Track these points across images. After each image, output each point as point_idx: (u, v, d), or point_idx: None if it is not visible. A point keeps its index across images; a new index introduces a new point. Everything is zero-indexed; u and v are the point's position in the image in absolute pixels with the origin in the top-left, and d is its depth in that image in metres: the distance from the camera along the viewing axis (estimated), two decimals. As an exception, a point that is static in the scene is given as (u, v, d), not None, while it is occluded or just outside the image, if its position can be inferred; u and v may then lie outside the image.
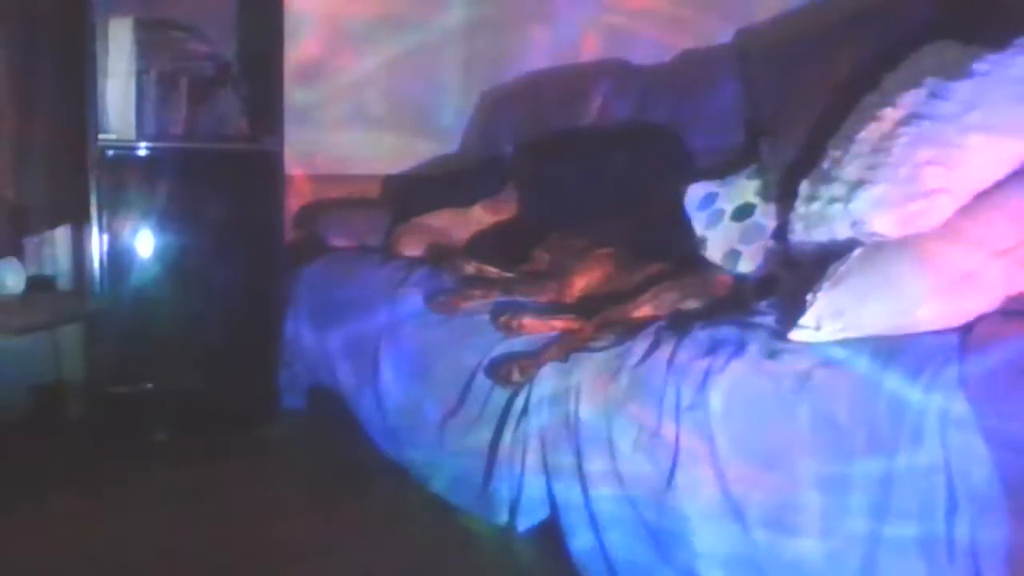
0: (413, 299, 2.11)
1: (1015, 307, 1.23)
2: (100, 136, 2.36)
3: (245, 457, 2.31)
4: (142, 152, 2.45)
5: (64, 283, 2.63)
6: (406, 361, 2.04)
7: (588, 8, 2.96)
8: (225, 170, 2.59)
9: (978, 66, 1.45)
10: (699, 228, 2.01)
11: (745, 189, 1.97)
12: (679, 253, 1.96)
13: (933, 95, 1.47)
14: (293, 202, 2.95)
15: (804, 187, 1.65)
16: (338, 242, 2.84)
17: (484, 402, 1.73)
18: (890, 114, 1.51)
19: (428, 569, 1.70)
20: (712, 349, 1.37)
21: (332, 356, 2.38)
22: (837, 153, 1.58)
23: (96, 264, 2.38)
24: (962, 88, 1.44)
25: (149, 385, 2.48)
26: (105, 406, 2.42)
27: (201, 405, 2.51)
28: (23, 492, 1.99)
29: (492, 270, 2.15)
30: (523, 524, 1.62)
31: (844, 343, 1.25)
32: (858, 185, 1.48)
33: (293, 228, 2.93)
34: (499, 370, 1.66)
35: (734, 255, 1.89)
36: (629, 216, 2.23)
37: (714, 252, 1.94)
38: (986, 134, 1.38)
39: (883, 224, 1.43)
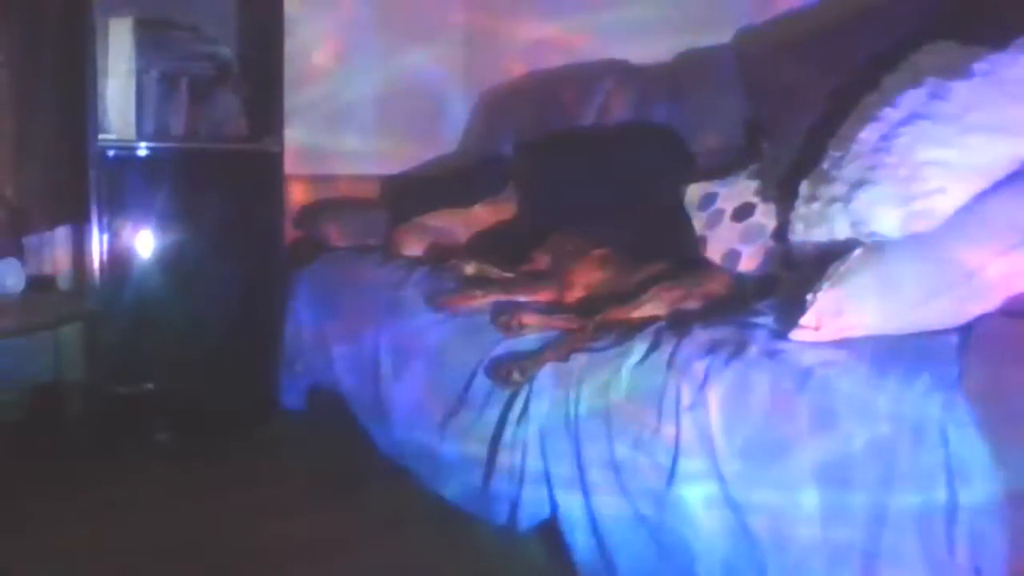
0: (413, 299, 2.11)
1: (1015, 307, 1.23)
2: (100, 136, 2.36)
3: (245, 457, 2.31)
4: (142, 152, 2.45)
5: (64, 283, 2.63)
6: (406, 361, 2.04)
7: (588, 8, 2.96)
8: (225, 170, 2.59)
9: (978, 66, 1.45)
10: (699, 228, 2.01)
11: (745, 189, 1.97)
12: (679, 253, 1.96)
13: (933, 95, 1.47)
14: (293, 202, 2.96)
15: (804, 187, 1.65)
16: (338, 242, 2.84)
17: (484, 402, 1.73)
18: (890, 114, 1.51)
19: (428, 569, 1.70)
20: (712, 349, 1.37)
21: (332, 356, 2.38)
22: (837, 153, 1.58)
23: (96, 264, 2.38)
24: (962, 88, 1.44)
25: (149, 385, 2.48)
26: (105, 406, 2.42)
27: (201, 405, 2.50)
28: (23, 492, 1.99)
29: (492, 270, 2.15)
30: (523, 524, 1.62)
31: (844, 343, 1.25)
32: (858, 185, 1.48)
33: (293, 228, 2.93)
34: (499, 370, 1.66)
35: (734, 255, 1.89)
36: (629, 216, 2.23)
37: (714, 252, 1.94)
38: (986, 134, 1.39)
39: (883, 224, 1.43)
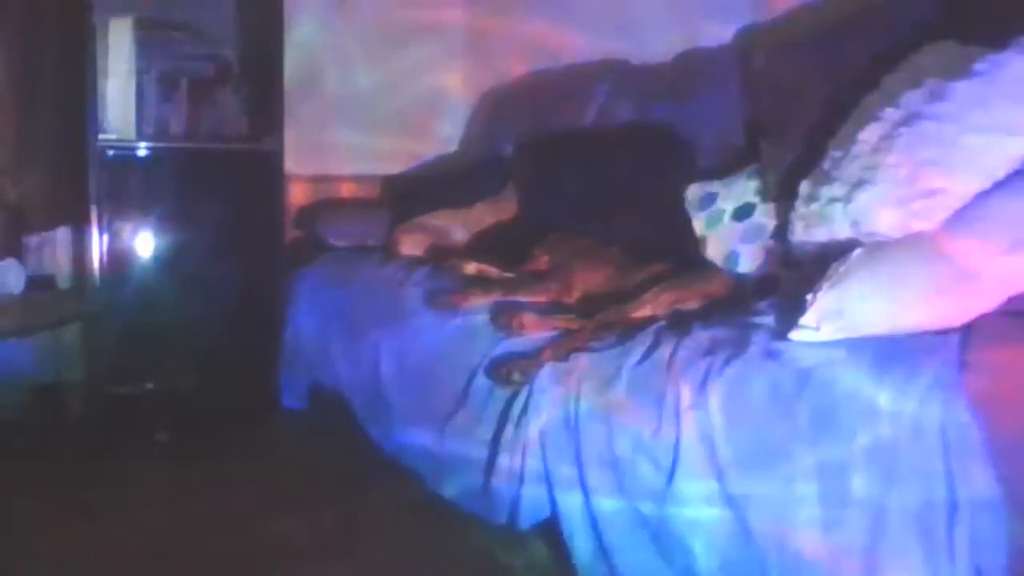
0: (413, 299, 2.11)
1: (1015, 307, 1.23)
2: (100, 136, 2.36)
3: (245, 457, 2.31)
4: (142, 152, 2.45)
5: (64, 283, 2.63)
6: (406, 361, 2.04)
7: (588, 8, 2.96)
8: (225, 170, 2.59)
9: (978, 66, 1.45)
10: (699, 228, 2.01)
11: (745, 189, 1.97)
12: (679, 253, 1.96)
13: (933, 95, 1.47)
14: (293, 202, 2.96)
15: (804, 187, 1.65)
16: (338, 242, 2.85)
17: (484, 402, 1.73)
18: (890, 114, 1.51)
19: (428, 569, 1.70)
20: (712, 349, 1.37)
21: (332, 356, 2.38)
22: (837, 153, 1.58)
23: (96, 264, 2.38)
24: (962, 88, 1.44)
25: (149, 385, 2.48)
26: (105, 406, 2.42)
27: (201, 405, 2.51)
28: (23, 492, 1.99)
29: (492, 270, 2.15)
30: (523, 524, 1.62)
31: (844, 343, 1.25)
32: (858, 185, 1.48)
33: (293, 228, 2.93)
34: (499, 370, 1.66)
35: (734, 255, 1.89)
36: (629, 216, 2.23)
37: (714, 252, 1.94)
38: (986, 134, 1.39)
39: (883, 224, 1.43)
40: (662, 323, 1.59)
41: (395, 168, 3.28)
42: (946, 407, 1.07)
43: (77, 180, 2.39)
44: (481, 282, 2.07)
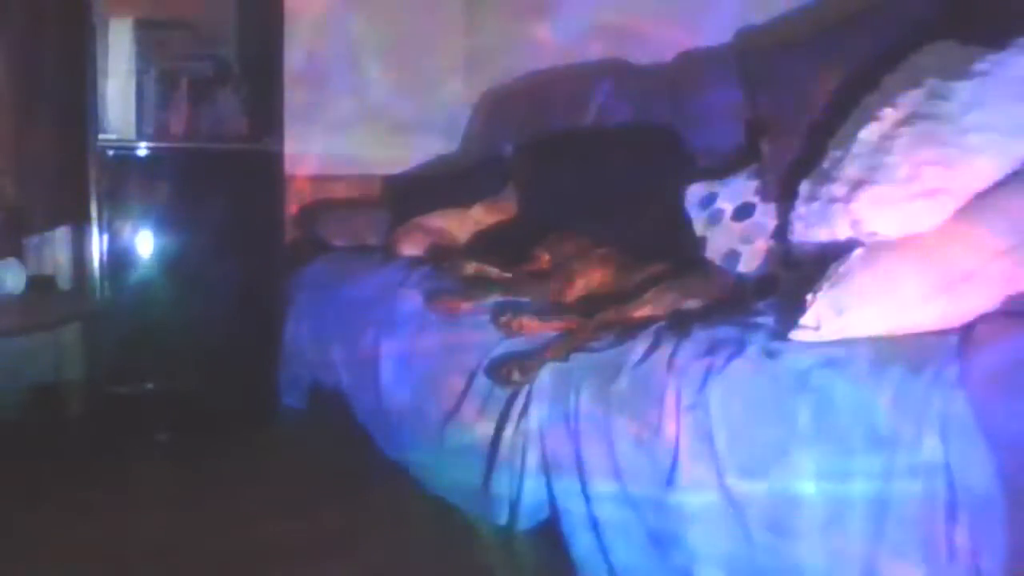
0: (413, 299, 2.11)
1: (1015, 307, 1.22)
2: (100, 136, 2.36)
3: (245, 457, 2.31)
4: (142, 152, 2.46)
5: (64, 283, 2.63)
6: (406, 361, 2.04)
7: (588, 8, 2.96)
8: (225, 170, 2.60)
9: (978, 66, 1.45)
10: (699, 228, 2.01)
11: (745, 189, 1.97)
12: (679, 253, 1.96)
13: (933, 95, 1.47)
14: (293, 202, 2.96)
15: (804, 187, 1.65)
16: (338, 242, 2.85)
17: (484, 402, 1.73)
18: (890, 114, 1.51)
19: (428, 570, 1.70)
20: (712, 349, 1.37)
21: (332, 356, 2.38)
22: (837, 153, 1.58)
23: (96, 264, 2.38)
24: (962, 88, 1.44)
25: (149, 385, 2.48)
26: (105, 406, 2.42)
27: (201, 405, 2.51)
28: (23, 492, 1.99)
29: (492, 270, 2.15)
30: (523, 524, 1.62)
31: (844, 343, 1.25)
32: (858, 185, 1.48)
33: (293, 228, 2.93)
34: (499, 370, 1.66)
35: (734, 255, 1.89)
36: (629, 216, 2.23)
37: (714, 252, 1.94)
38: (986, 134, 1.38)
39: (883, 224, 1.43)
40: (662, 323, 1.59)
41: (395, 168, 3.28)
42: (946, 407, 1.07)
43: (77, 180, 2.39)
44: (481, 282, 2.07)
